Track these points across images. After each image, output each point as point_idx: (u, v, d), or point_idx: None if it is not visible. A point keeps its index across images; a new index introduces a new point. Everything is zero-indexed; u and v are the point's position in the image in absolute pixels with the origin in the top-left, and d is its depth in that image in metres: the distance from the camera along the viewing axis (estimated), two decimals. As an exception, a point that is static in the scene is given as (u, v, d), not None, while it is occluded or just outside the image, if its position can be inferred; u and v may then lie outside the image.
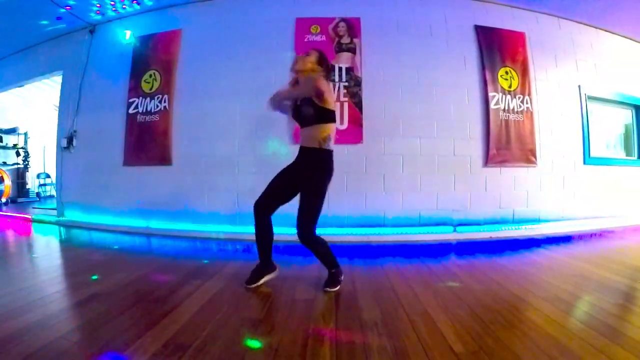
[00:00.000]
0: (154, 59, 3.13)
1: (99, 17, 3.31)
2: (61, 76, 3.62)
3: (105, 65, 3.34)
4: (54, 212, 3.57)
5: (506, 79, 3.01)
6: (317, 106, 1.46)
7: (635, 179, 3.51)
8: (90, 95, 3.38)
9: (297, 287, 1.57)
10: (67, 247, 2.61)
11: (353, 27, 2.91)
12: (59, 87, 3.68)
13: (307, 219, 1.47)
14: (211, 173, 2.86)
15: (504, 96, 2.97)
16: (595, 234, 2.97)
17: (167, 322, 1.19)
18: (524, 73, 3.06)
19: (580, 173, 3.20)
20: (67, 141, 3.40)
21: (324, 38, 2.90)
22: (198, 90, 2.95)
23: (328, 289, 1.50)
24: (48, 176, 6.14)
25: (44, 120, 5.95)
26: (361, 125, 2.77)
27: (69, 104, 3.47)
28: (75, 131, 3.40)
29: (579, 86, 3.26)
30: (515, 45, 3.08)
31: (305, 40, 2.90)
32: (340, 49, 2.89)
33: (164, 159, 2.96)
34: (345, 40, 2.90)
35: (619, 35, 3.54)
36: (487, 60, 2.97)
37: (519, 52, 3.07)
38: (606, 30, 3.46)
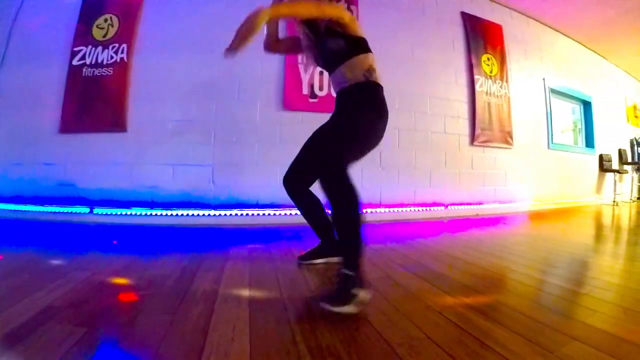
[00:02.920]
0: (112, 0, 2.56)
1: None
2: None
3: (47, 5, 2.62)
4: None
5: (488, 65, 3.15)
6: (347, 35, 1.07)
7: (583, 164, 4.00)
8: (22, 42, 2.60)
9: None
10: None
11: (345, -5, 2.76)
12: None
13: (327, 157, 0.99)
14: (180, 142, 2.35)
15: (486, 80, 3.10)
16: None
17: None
18: (502, 61, 3.26)
19: (545, 157, 3.51)
20: (-23, 99, 2.58)
21: (316, 2, 2.69)
22: (167, 40, 2.44)
23: (331, 307, 0.83)
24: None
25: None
26: (356, 95, 2.60)
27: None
28: (-9, 87, 2.60)
29: (544, 79, 3.60)
30: (494, 35, 3.26)
31: None
32: (333, 15, 2.71)
33: (117, 125, 2.36)
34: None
35: (573, 39, 4.03)
36: (473, 45, 3.08)
37: (497, 42, 3.26)
38: (564, 34, 3.91)
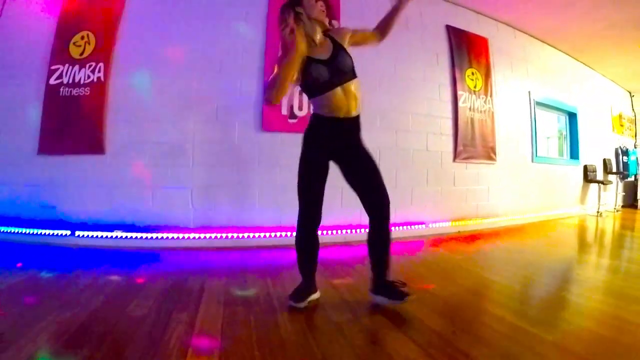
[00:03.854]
0: (89, 15, 2.50)
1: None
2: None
3: (23, 19, 2.54)
4: None
5: (472, 80, 3.15)
6: (349, 53, 1.24)
7: (567, 176, 4.03)
8: None
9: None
10: None
11: (332, 7, 2.72)
12: None
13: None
14: (159, 165, 2.33)
15: (470, 95, 3.10)
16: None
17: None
18: (487, 75, 3.25)
19: (530, 170, 3.54)
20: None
21: None
22: (144, 59, 2.41)
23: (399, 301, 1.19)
24: None
25: None
26: (337, 115, 2.60)
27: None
28: (-33, 104, 2.56)
29: (529, 92, 3.60)
30: (480, 48, 3.25)
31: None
32: (315, 31, 2.68)
33: (95, 147, 2.33)
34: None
35: (559, 50, 4.03)
36: (457, 59, 3.07)
37: (482, 55, 3.25)
38: (550, 45, 3.90)
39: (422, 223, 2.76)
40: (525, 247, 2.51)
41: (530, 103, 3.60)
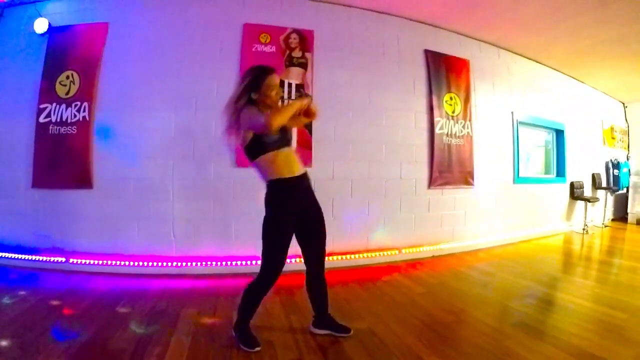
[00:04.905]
0: (72, 56, 2.63)
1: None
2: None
3: (12, 60, 2.70)
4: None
5: (450, 105, 3.16)
6: None
7: (552, 194, 4.02)
8: None
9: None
10: None
11: (306, 39, 2.77)
12: None
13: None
14: (142, 199, 2.50)
15: (447, 121, 3.12)
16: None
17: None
18: (467, 99, 3.25)
19: (511, 192, 3.56)
20: (-43, 151, 2.74)
21: (273, 49, 2.72)
22: (126, 99, 2.54)
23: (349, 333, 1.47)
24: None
25: None
26: (311, 148, 2.68)
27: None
28: (-33, 139, 2.75)
29: (512, 112, 3.58)
30: (460, 71, 3.23)
31: (253, 49, 2.68)
32: (290, 63, 2.73)
33: (84, 182, 2.51)
34: (297, 54, 2.75)
35: (547, 66, 3.94)
36: (435, 85, 3.08)
37: (462, 79, 3.24)
38: (537, 62, 3.83)
39: (395, 249, 2.86)
40: (497, 269, 2.61)
41: (513, 124, 3.58)
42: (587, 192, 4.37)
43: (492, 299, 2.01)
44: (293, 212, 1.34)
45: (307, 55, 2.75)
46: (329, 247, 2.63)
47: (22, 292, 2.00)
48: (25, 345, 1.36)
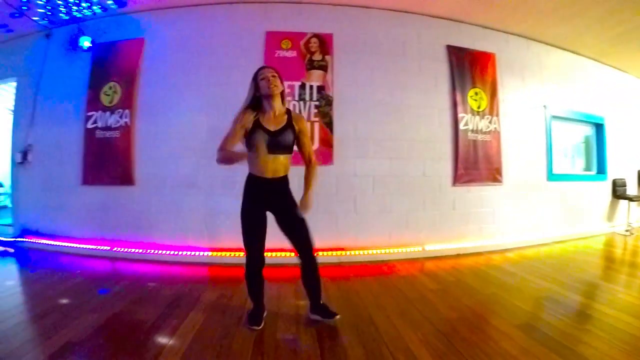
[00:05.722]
0: (114, 69, 2.92)
1: (54, 19, 3.03)
2: (15, 83, 3.31)
3: (62, 74, 3.07)
4: (9, 230, 3.31)
5: (475, 100, 3.06)
6: (295, 135, 1.47)
7: (591, 193, 3.72)
8: (46, 106, 3.11)
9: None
10: (27, 278, 2.32)
11: (325, 43, 2.84)
12: (13, 91, 3.36)
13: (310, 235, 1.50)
14: (176, 194, 2.73)
15: (472, 117, 3.03)
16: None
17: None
18: (493, 94, 3.13)
19: (544, 189, 3.36)
20: (22, 156, 3.13)
21: (295, 54, 2.82)
22: (161, 105, 2.79)
23: (335, 317, 1.54)
24: (1, 185, 5.60)
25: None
26: (332, 146, 2.74)
27: (24, 115, 3.19)
28: (30, 145, 3.14)
29: (545, 106, 3.39)
30: (485, 66, 3.13)
31: (276, 55, 2.80)
32: (311, 66, 2.82)
33: (126, 180, 2.79)
34: (317, 57, 2.83)
35: (583, 56, 3.69)
36: (458, 80, 3.01)
37: (488, 73, 3.14)
38: (572, 52, 3.60)
39: (418, 245, 2.82)
40: (522, 270, 2.46)
41: (545, 118, 3.39)
42: (632, 190, 3.99)
43: (505, 299, 1.90)
44: (258, 204, 1.47)
45: (327, 57, 2.82)
46: (349, 242, 2.75)
47: (72, 273, 2.34)
48: (67, 311, 1.67)
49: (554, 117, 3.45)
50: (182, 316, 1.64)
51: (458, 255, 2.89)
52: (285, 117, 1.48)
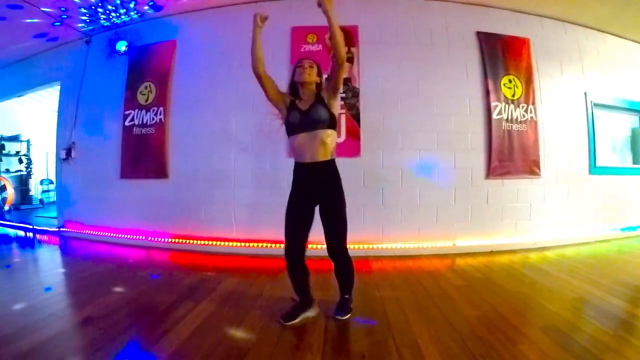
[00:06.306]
0: (149, 70, 3.10)
1: (94, 27, 3.27)
2: (59, 86, 3.61)
3: (101, 77, 3.31)
4: (56, 222, 3.58)
5: (509, 88, 2.91)
6: (329, 110, 1.42)
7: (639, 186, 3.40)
8: (87, 106, 3.36)
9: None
10: (66, 262, 2.64)
11: (350, 35, 2.83)
12: (57, 94, 3.67)
13: (344, 232, 1.44)
14: (208, 187, 2.83)
15: (507, 105, 2.88)
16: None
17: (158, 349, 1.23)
18: (528, 81, 2.96)
19: (586, 183, 3.11)
20: (66, 152, 3.40)
21: (320, 47, 2.83)
22: (193, 103, 2.91)
23: (340, 317, 1.46)
24: (51, 182, 6.18)
25: (47, 126, 5.97)
26: (359, 138, 2.71)
27: (67, 115, 3.46)
28: (73, 143, 3.39)
29: (585, 93, 3.16)
30: (519, 52, 2.97)
31: (302, 49, 2.83)
32: (337, 58, 2.81)
33: (161, 173, 2.93)
34: (343, 49, 2.82)
35: (627, 39, 3.41)
36: (490, 68, 2.88)
37: (522, 59, 2.97)
38: (614, 34, 3.33)
39: (448, 241, 2.71)
40: (558, 269, 2.25)
41: (586, 106, 3.15)
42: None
43: (532, 299, 1.74)
44: (299, 191, 1.45)
45: (353, 50, 2.81)
46: (376, 236, 2.69)
47: (108, 259, 2.55)
48: (95, 291, 1.82)
49: (597, 105, 3.20)
50: (199, 300, 1.70)
51: (491, 252, 2.74)
52: (314, 96, 1.46)
